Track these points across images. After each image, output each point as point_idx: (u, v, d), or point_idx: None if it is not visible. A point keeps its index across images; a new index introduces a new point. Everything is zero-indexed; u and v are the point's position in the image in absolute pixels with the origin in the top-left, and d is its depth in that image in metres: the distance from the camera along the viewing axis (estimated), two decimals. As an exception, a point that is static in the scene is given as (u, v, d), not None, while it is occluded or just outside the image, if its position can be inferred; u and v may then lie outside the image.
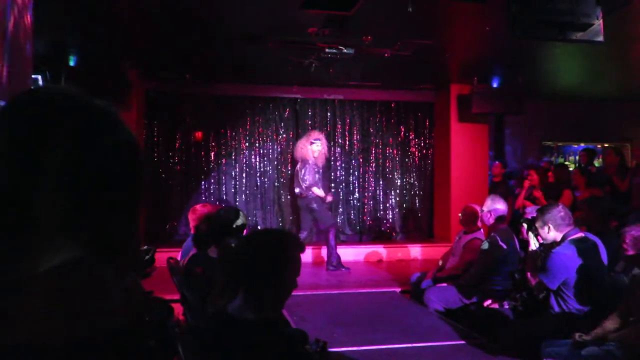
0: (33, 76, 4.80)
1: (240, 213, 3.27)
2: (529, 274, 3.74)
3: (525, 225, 3.82)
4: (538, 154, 9.62)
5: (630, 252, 3.29)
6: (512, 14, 3.38)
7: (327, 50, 5.53)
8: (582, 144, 9.89)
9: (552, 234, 3.63)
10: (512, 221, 5.81)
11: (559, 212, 3.64)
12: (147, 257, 3.41)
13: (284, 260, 1.87)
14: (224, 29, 5.38)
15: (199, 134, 8.17)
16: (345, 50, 5.57)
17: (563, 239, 3.61)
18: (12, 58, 2.84)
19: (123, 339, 0.68)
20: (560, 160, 9.58)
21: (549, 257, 3.55)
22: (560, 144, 10.10)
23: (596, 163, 7.90)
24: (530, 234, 3.75)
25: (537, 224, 3.68)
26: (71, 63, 6.19)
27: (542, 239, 3.69)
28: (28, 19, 3.05)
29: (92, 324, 0.65)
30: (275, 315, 1.89)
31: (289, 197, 8.35)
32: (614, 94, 8.77)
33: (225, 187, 8.29)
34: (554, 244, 3.64)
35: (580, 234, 3.64)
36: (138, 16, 5.01)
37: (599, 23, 3.74)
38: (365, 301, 5.39)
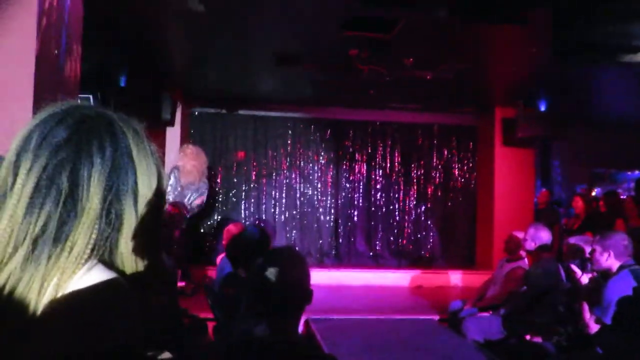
0: (83, 95, 5.03)
1: (266, 232, 3.25)
2: (585, 309, 3.49)
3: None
4: (588, 182, 9.25)
5: None
6: (554, 35, 3.28)
7: (367, 72, 5.53)
8: (637, 171, 9.45)
9: (610, 261, 3.43)
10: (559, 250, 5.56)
11: (623, 240, 3.45)
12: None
13: (306, 278, 1.83)
14: (262, 50, 5.45)
15: (240, 154, 8.30)
16: (386, 73, 5.56)
17: (619, 269, 3.40)
18: (62, 80, 2.98)
19: (133, 354, 0.71)
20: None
21: (605, 288, 3.34)
22: (612, 171, 9.68)
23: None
24: (575, 265, 3.56)
25: (597, 249, 3.47)
26: (121, 84, 6.44)
27: (596, 264, 3.47)
28: (78, 42, 3.19)
29: (110, 340, 0.69)
30: (298, 336, 1.84)
31: (328, 218, 8.35)
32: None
33: (265, 207, 8.35)
34: (609, 274, 3.43)
35: (636, 266, 3.43)
36: (181, 40, 5.17)
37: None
38: (401, 328, 5.24)
